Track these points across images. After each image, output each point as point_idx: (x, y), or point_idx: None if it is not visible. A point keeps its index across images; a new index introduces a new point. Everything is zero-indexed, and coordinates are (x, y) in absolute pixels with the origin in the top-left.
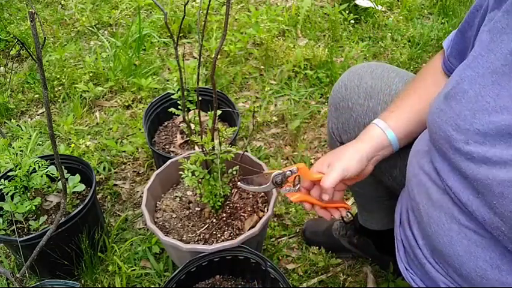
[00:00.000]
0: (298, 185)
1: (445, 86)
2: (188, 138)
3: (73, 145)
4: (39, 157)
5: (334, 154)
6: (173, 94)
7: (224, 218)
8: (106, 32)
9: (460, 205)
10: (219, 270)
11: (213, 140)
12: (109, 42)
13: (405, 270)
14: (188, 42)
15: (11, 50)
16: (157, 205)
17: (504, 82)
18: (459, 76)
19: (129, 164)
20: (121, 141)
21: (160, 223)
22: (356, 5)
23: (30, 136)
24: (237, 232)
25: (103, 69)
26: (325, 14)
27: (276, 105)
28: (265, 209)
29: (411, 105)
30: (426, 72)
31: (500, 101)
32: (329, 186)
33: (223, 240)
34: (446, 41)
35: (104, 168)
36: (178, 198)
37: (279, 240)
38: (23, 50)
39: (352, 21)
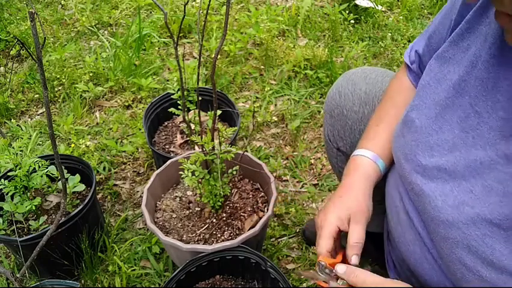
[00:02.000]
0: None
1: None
2: (188, 138)
3: (73, 145)
4: (39, 157)
5: (345, 203)
6: (173, 94)
7: (224, 218)
8: (106, 32)
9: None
10: (219, 270)
11: (213, 140)
12: (109, 42)
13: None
14: (188, 42)
15: (11, 50)
16: (157, 205)
17: (447, 115)
18: (410, 104)
19: (129, 164)
20: (121, 141)
21: (160, 223)
22: (356, 5)
23: (30, 136)
24: (237, 232)
25: (103, 69)
26: (325, 14)
27: (276, 105)
28: (265, 209)
29: (389, 128)
30: (393, 91)
31: (442, 135)
32: (362, 240)
33: (223, 240)
34: (406, 56)
35: (104, 168)
36: (178, 198)
37: (279, 240)
38: (23, 50)
39: (352, 21)
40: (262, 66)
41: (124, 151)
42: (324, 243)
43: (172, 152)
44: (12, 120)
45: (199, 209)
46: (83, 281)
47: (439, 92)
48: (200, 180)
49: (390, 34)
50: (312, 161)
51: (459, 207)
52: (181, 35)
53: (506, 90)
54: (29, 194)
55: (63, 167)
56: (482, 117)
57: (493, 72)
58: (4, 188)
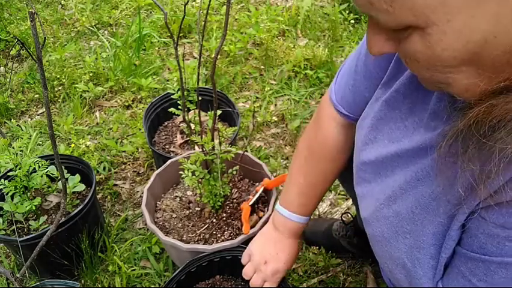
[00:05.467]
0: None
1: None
2: (188, 138)
3: (73, 145)
4: (39, 157)
5: (282, 264)
6: (173, 94)
7: (224, 218)
8: (106, 32)
9: None
10: (219, 271)
11: (213, 140)
12: (109, 42)
13: (389, 282)
14: (188, 42)
15: (11, 50)
16: (157, 205)
17: (380, 126)
18: (360, 118)
19: (129, 164)
20: (121, 141)
21: (160, 223)
22: None
23: (30, 136)
24: (237, 232)
25: (103, 69)
26: (325, 14)
27: (276, 105)
28: (266, 209)
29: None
30: (322, 151)
31: (376, 143)
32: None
33: (223, 240)
34: (332, 94)
35: (104, 168)
36: (178, 198)
37: None
38: (23, 50)
39: (352, 21)
40: (262, 66)
41: (124, 151)
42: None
43: (172, 152)
44: (12, 120)
45: (199, 209)
46: (83, 281)
47: (375, 107)
48: (200, 180)
49: None
50: None
51: (370, 207)
52: (181, 35)
53: (420, 111)
54: (29, 194)
55: (63, 167)
56: (408, 132)
57: (413, 93)
58: (4, 188)
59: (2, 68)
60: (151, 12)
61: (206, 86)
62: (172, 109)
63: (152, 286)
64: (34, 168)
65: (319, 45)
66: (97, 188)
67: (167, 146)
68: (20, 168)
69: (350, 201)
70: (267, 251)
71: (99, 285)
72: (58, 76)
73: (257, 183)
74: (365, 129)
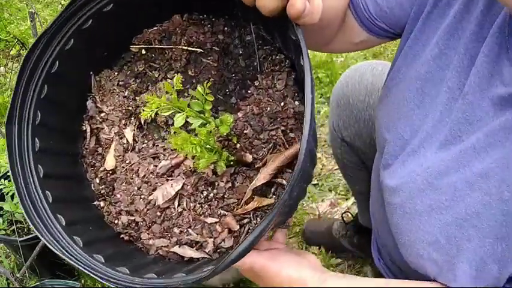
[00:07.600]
0: None
1: (386, 77)
2: None
3: None
4: None
5: None
6: None
7: None
8: None
9: None
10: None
11: None
12: None
13: (378, 261)
14: None
15: (11, 50)
16: None
17: (427, 89)
18: (396, 72)
19: None
20: None
21: None
22: None
23: None
24: None
25: None
26: None
27: None
28: None
29: None
30: None
31: (423, 109)
32: None
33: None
34: None
35: None
36: None
37: None
38: (23, 50)
39: None
40: None
41: None
42: None
43: None
44: None
45: None
46: (83, 281)
47: (421, 63)
48: None
49: None
50: None
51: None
52: None
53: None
54: None
55: None
56: (453, 94)
57: (472, 48)
58: (4, 188)
59: (2, 68)
60: None
61: None
62: None
63: None
64: None
65: None
66: None
67: None
68: None
69: (350, 202)
70: None
71: (99, 285)
72: None
73: None
74: (408, 93)
